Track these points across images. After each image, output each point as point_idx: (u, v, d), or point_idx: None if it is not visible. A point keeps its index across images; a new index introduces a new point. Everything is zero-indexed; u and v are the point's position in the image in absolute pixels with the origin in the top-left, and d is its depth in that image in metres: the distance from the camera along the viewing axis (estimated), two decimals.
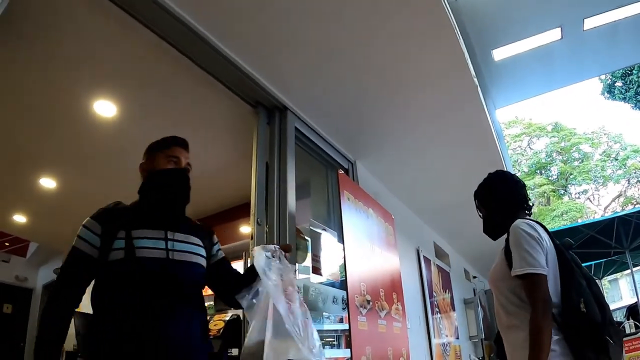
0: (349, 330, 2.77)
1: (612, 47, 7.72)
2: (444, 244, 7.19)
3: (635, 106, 13.59)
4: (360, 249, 3.21)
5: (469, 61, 3.53)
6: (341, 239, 3.06)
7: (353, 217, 3.26)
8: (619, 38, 7.43)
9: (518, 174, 6.18)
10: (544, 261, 1.79)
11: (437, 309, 5.66)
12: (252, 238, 2.83)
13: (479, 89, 3.96)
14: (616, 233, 12.07)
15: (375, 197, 4.47)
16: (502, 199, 2.21)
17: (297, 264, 3.41)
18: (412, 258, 5.43)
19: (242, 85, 3.03)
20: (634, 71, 13.37)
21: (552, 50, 7.41)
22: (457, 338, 6.33)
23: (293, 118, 3.40)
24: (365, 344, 2.89)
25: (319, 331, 3.70)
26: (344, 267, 2.94)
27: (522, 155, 25.16)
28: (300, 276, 3.37)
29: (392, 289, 3.62)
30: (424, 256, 5.68)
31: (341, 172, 3.36)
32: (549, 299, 1.74)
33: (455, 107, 3.92)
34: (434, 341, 5.19)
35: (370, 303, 3.12)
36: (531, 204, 2.25)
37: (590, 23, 6.84)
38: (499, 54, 7.06)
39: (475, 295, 7.81)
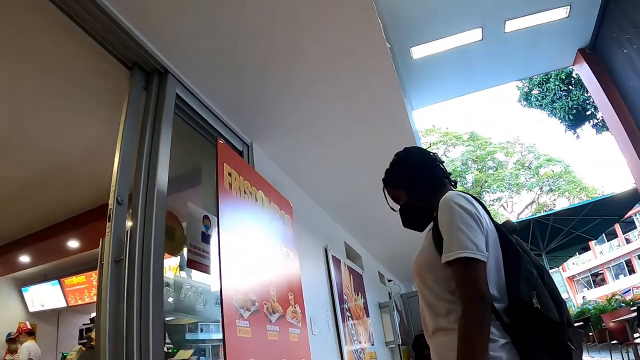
0: (223, 338, 2.08)
1: (532, 52, 7.77)
2: (356, 245, 6.69)
3: (551, 113, 14.02)
4: (242, 236, 2.55)
5: (385, 39, 3.11)
6: (217, 223, 2.38)
7: (235, 198, 2.60)
8: (538, 42, 7.44)
9: None
10: (484, 244, 1.43)
11: (348, 314, 5.09)
12: (109, 220, 2.15)
13: (395, 72, 3.50)
14: (532, 235, 12.34)
15: (275, 186, 3.86)
16: (422, 174, 1.82)
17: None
18: (319, 257, 4.84)
19: (115, 41, 2.41)
20: (550, 79, 13.79)
21: (472, 51, 7.28)
22: (373, 344, 5.81)
23: (174, 83, 2.74)
24: (248, 355, 2.22)
25: (194, 341, 3.07)
26: (218, 256, 2.27)
27: None
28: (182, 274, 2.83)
29: (289, 289, 2.99)
30: (332, 256, 5.11)
31: (222, 141, 2.68)
32: (487, 292, 1.37)
33: (370, 94, 3.54)
34: (346, 348, 4.61)
35: (256, 304, 2.45)
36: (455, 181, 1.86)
37: (511, 25, 6.81)
38: (418, 52, 6.82)
39: (390, 299, 7.36)
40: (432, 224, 1.62)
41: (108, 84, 2.82)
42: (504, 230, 1.56)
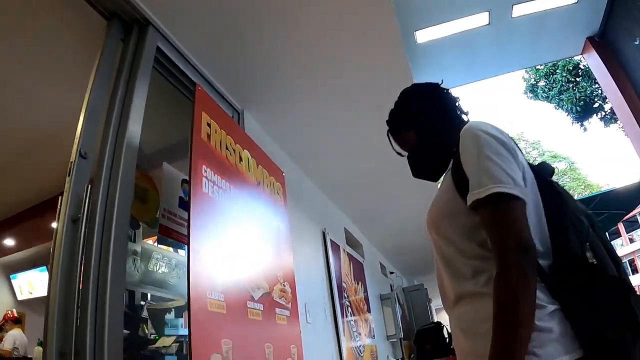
0: (188, 312, 1.68)
1: (539, 39, 7.56)
2: (357, 233, 6.28)
3: (557, 105, 13.66)
4: (220, 197, 2.14)
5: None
6: (189, 176, 1.98)
7: (213, 152, 2.20)
8: (546, 29, 7.22)
9: None
10: (522, 180, 1.11)
11: (347, 303, 4.69)
12: (69, 174, 1.80)
13: (401, 38, 3.10)
14: None
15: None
16: (435, 108, 1.50)
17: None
18: (316, 240, 4.43)
19: None
20: (557, 70, 13.42)
21: (478, 37, 7.03)
22: (373, 337, 5.40)
23: (156, 34, 2.38)
24: (220, 334, 1.82)
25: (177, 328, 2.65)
26: (187, 212, 1.87)
27: None
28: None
29: (277, 264, 2.58)
30: (331, 240, 4.69)
31: (201, 88, 2.28)
32: (531, 240, 1.02)
33: (375, 63, 3.13)
34: (344, 340, 4.20)
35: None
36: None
37: (519, 10, 6.64)
38: (423, 36, 6.57)
39: (392, 291, 6.94)
40: (450, 165, 1.29)
41: (88, 46, 2.39)
42: (542, 172, 1.23)
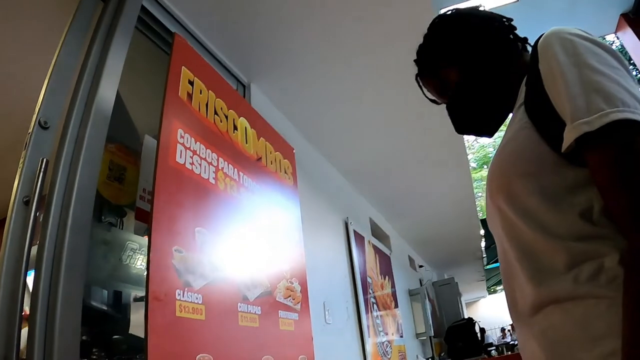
0: (145, 317, 1.23)
1: (570, 17, 7.04)
2: (384, 223, 5.78)
3: None
4: (204, 168, 1.69)
5: None
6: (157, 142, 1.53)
7: (194, 115, 1.75)
8: (578, 6, 6.74)
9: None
10: None
11: (373, 300, 4.21)
12: (25, 147, 1.45)
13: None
14: None
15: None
16: (487, 34, 1.05)
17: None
18: (338, 231, 3.95)
19: None
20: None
21: (507, 15, 6.51)
22: (401, 336, 4.91)
23: None
24: (195, 348, 1.36)
25: None
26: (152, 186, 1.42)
27: (469, 149, 24.90)
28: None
29: (284, 258, 2.13)
30: (354, 230, 4.22)
31: (180, 37, 1.82)
32: None
33: (404, 26, 2.63)
34: (369, 341, 3.74)
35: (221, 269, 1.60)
36: None
37: None
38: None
39: (422, 286, 6.43)
40: (521, 97, 0.88)
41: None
42: None
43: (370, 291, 4.21)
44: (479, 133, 1.09)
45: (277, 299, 1.92)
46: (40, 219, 1.38)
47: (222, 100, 1.94)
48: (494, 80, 0.99)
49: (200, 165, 1.65)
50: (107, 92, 1.67)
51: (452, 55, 1.06)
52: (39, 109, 1.52)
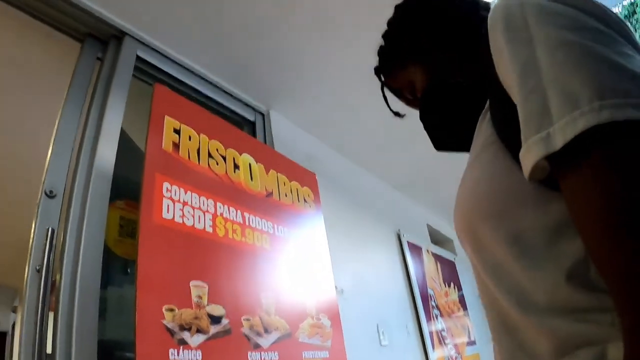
0: None
1: None
2: (444, 227, 5.53)
3: None
4: (197, 218, 1.65)
5: None
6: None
7: (183, 166, 1.72)
8: None
9: None
10: None
11: (436, 312, 4.01)
12: (35, 217, 1.51)
13: None
14: None
15: (311, 161, 2.96)
16: (452, 19, 0.85)
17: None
18: (389, 245, 3.80)
19: (62, 15, 1.89)
20: (637, 9, 11.86)
21: None
22: (474, 343, 4.64)
23: (133, 44, 2.07)
24: None
25: None
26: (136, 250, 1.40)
27: None
28: None
29: (307, 293, 2.04)
30: (408, 242, 4.05)
31: (161, 85, 1.81)
32: None
33: None
34: (433, 354, 3.55)
35: (224, 321, 1.54)
36: None
37: None
38: None
39: None
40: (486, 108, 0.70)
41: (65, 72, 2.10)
42: None
43: (433, 303, 4.01)
44: (459, 149, 0.91)
45: (299, 341, 1.83)
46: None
47: (218, 141, 1.90)
48: (467, 79, 0.80)
49: (192, 216, 1.61)
50: (107, 152, 1.72)
51: (413, 54, 0.89)
52: (44, 178, 1.58)
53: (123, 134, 1.92)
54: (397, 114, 1.04)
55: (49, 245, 1.45)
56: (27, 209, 1.56)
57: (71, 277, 1.46)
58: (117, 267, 1.92)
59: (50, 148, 1.66)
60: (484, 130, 0.66)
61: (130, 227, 2.04)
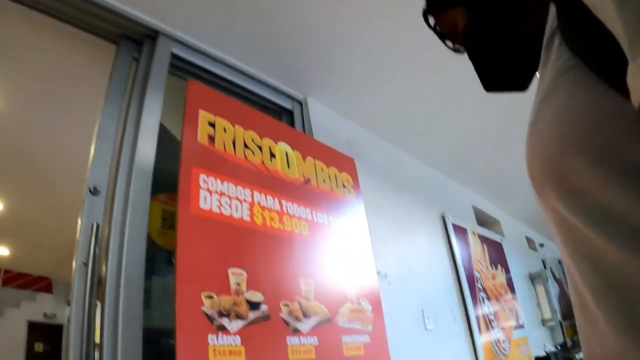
0: None
1: None
2: (491, 208, 5.41)
3: None
4: (235, 207, 1.68)
5: None
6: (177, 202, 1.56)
7: (220, 158, 1.76)
8: None
9: None
10: None
11: (483, 295, 3.96)
12: (82, 213, 1.60)
13: None
14: None
15: (351, 147, 2.97)
16: None
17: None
18: (434, 228, 3.76)
19: (97, 20, 1.98)
20: None
21: None
22: (522, 326, 4.55)
23: (167, 43, 2.12)
24: None
25: None
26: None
27: None
28: None
29: (346, 279, 2.05)
30: (453, 224, 3.99)
31: (195, 81, 1.86)
32: None
33: None
34: (480, 339, 3.51)
35: (263, 307, 1.58)
36: None
37: None
38: None
39: (545, 267, 5.91)
40: (551, 29, 0.59)
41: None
42: None
43: (480, 286, 3.96)
44: (508, 88, 0.83)
45: (339, 325, 1.85)
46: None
47: (254, 131, 1.93)
48: (509, 12, 0.74)
49: (230, 205, 1.65)
50: (147, 148, 1.78)
51: None
52: (88, 175, 1.66)
53: (163, 129, 1.99)
54: (456, 50, 0.93)
55: (94, 240, 1.53)
56: (77, 207, 1.63)
57: (116, 269, 1.54)
58: (161, 258, 1.99)
59: (93, 147, 1.74)
60: (555, 57, 0.56)
61: (172, 219, 2.10)
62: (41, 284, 7.56)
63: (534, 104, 0.58)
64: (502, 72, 0.81)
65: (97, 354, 1.43)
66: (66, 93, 2.58)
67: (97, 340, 1.45)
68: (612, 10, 0.38)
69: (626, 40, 0.37)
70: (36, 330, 7.26)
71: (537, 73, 0.66)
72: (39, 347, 7.24)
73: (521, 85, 0.79)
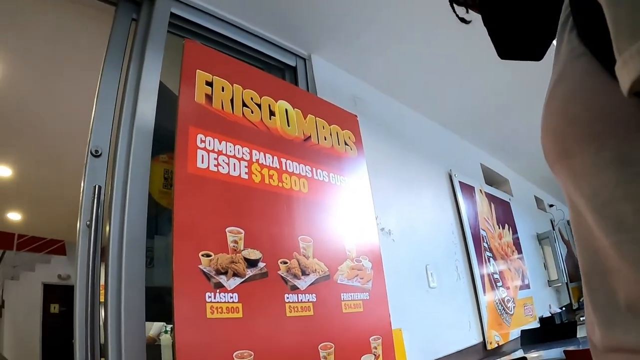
0: (173, 323, 1.30)
1: None
2: (499, 166, 5.36)
3: None
4: (233, 165, 1.68)
5: None
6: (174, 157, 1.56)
7: (217, 117, 1.74)
8: None
9: None
10: None
11: (489, 254, 3.97)
12: (84, 176, 1.61)
13: None
14: None
15: (356, 104, 2.94)
16: None
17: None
18: (440, 186, 3.74)
19: None
20: None
21: None
22: (528, 287, 4.58)
23: (166, 2, 2.07)
24: (232, 344, 1.39)
25: None
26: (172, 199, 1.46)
27: None
28: None
29: (346, 235, 2.06)
30: (460, 182, 3.97)
31: (191, 41, 1.83)
32: None
33: None
34: (484, 298, 3.55)
35: (260, 265, 1.60)
36: None
37: None
38: None
39: (553, 228, 5.90)
40: (565, 12, 0.61)
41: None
42: None
43: (485, 245, 3.97)
44: (522, 57, 0.82)
45: (338, 282, 1.87)
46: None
47: (253, 90, 1.90)
48: None
49: (228, 164, 1.65)
50: (147, 109, 1.79)
51: None
52: (90, 138, 1.67)
53: (165, 89, 1.97)
54: (462, 20, 0.93)
55: (97, 202, 1.55)
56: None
57: (119, 230, 1.56)
58: (164, 218, 2.01)
59: (94, 109, 1.74)
60: (567, 41, 0.58)
61: (173, 179, 2.12)
62: (55, 247, 7.77)
63: (550, 82, 0.60)
64: (516, 40, 0.79)
65: (102, 312, 1.48)
66: (66, 57, 2.57)
67: (102, 299, 1.49)
68: (603, 3, 0.42)
69: (611, 32, 0.41)
70: (51, 292, 7.57)
71: (554, 42, 0.67)
72: (54, 308, 7.57)
73: (535, 54, 0.78)
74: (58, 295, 7.66)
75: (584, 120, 0.51)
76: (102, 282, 1.52)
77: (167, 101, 1.93)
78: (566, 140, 0.54)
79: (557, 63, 0.60)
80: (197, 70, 1.71)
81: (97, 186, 1.57)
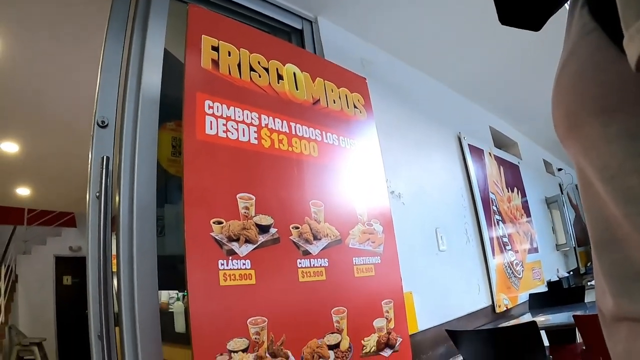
0: (186, 291, 1.30)
1: None
2: (508, 129, 5.30)
3: None
4: (242, 131, 1.66)
5: None
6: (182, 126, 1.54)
7: (224, 82, 1.71)
8: None
9: None
10: None
11: (498, 217, 3.96)
12: (91, 147, 1.59)
13: None
14: None
15: (364, 66, 2.89)
16: None
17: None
18: (449, 148, 3.71)
19: None
20: None
21: None
22: (536, 250, 4.59)
23: None
24: (245, 312, 1.40)
25: None
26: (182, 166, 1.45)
27: None
28: None
29: (358, 199, 2.05)
30: (469, 144, 3.93)
31: (196, 6, 1.78)
32: None
33: None
34: (493, 261, 3.55)
35: (272, 230, 1.59)
36: None
37: None
38: None
39: (562, 192, 5.86)
40: None
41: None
42: None
43: (495, 208, 3.95)
44: (521, 24, 0.79)
45: (350, 246, 1.87)
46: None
47: (260, 54, 1.86)
48: None
49: (236, 130, 1.62)
50: (152, 77, 1.77)
51: None
52: (96, 109, 1.65)
53: (170, 56, 1.94)
54: None
55: (105, 173, 1.54)
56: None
57: (128, 200, 1.56)
58: (174, 185, 2.01)
59: (98, 80, 1.71)
60: (578, 17, 0.58)
61: (181, 146, 2.10)
62: (65, 219, 7.91)
63: (561, 58, 0.60)
64: (517, 6, 0.75)
65: (115, 282, 1.49)
66: (69, 28, 2.53)
67: (114, 269, 1.49)
68: None
69: (620, 9, 0.41)
70: (63, 264, 7.72)
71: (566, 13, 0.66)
72: (67, 280, 7.75)
73: (533, 24, 0.76)
74: (70, 267, 7.80)
75: (594, 95, 0.52)
76: (114, 252, 1.52)
77: (173, 68, 1.90)
78: (576, 114, 0.55)
79: (568, 39, 0.61)
80: (203, 35, 1.67)
81: (105, 157, 1.56)
